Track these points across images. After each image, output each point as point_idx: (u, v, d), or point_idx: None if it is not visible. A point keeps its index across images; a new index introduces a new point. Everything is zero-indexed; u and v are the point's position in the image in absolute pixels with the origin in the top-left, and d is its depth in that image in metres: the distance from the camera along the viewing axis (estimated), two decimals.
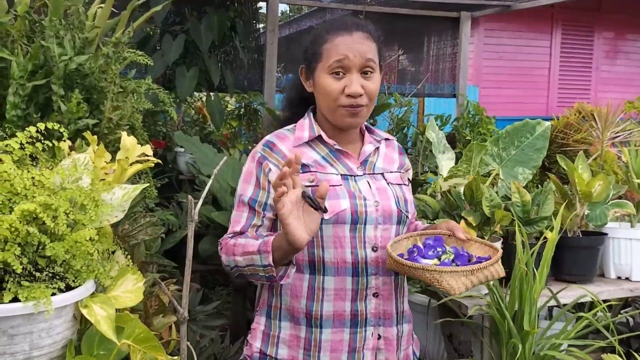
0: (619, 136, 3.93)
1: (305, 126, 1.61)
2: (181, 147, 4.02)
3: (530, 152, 2.36)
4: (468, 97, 5.34)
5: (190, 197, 1.62)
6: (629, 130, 3.83)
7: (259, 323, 1.63)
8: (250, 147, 4.79)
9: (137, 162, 1.89)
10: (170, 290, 2.35)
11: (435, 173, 4.92)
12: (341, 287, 1.52)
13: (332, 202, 1.48)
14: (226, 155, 1.95)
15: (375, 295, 1.54)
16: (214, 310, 2.67)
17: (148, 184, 1.71)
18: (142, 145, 3.31)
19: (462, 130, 5.06)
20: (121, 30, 2.27)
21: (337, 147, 1.59)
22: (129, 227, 2.87)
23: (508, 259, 2.05)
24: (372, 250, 1.52)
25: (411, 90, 5.16)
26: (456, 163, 2.34)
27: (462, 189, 2.04)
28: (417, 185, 3.24)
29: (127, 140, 1.89)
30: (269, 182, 1.55)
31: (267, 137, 1.62)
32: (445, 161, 2.32)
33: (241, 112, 4.73)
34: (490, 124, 5.12)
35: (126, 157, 1.85)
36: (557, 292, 1.94)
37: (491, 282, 1.91)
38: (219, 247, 1.62)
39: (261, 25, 5.03)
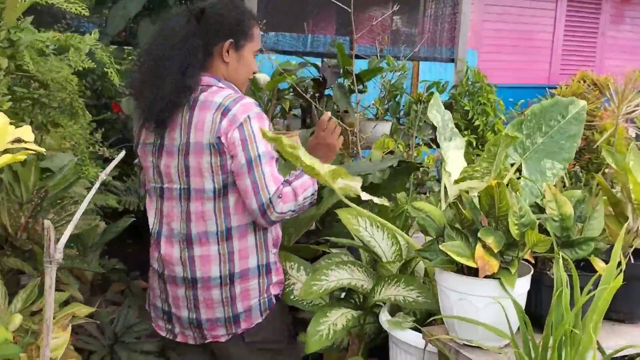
0: (635, 110, 3.32)
1: (238, 91, 1.76)
2: None
3: (562, 139, 1.71)
4: (467, 62, 4.67)
5: (47, 223, 0.98)
6: None
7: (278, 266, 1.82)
8: None
9: (15, 149, 1.26)
10: (84, 317, 1.72)
11: (429, 146, 4.29)
12: None
13: None
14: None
15: None
16: (148, 331, 2.04)
17: None
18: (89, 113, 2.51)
19: (461, 99, 4.41)
20: None
21: None
22: (54, 217, 2.22)
23: (537, 294, 1.43)
24: None
25: (405, 53, 4.47)
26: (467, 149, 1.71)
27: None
28: (413, 169, 2.59)
29: None
30: None
31: (250, 100, 1.69)
32: (452, 151, 1.68)
33: None
34: (491, 93, 4.48)
35: None
36: (613, 354, 1.31)
37: (513, 326, 1.31)
38: (276, 201, 1.63)
39: None
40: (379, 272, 1.78)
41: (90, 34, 2.49)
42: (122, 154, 1.09)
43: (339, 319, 1.65)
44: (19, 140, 1.26)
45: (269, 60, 4.06)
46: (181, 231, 1.71)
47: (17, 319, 1.45)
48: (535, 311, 1.42)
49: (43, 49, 2.20)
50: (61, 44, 2.53)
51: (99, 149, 3.65)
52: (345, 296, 1.89)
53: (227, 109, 1.64)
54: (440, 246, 1.28)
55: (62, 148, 3.04)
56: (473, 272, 1.32)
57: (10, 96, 2.52)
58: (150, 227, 1.84)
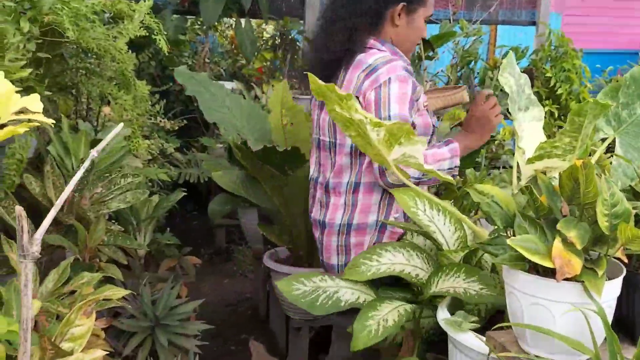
0: None
1: (399, 54, 1.77)
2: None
3: None
4: (550, 25, 4.23)
5: (19, 209, 0.82)
6: None
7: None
8: (292, 83, 3.92)
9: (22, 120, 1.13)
10: (118, 299, 1.58)
11: (506, 117, 3.93)
12: None
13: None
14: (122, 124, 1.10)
15: None
16: (190, 314, 1.89)
17: None
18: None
19: (542, 66, 4.00)
20: None
21: None
22: (102, 191, 2.11)
23: (630, 299, 1.16)
24: None
25: (481, 16, 4.09)
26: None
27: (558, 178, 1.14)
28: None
29: None
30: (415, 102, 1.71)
31: (399, 63, 1.69)
32: (529, 123, 1.40)
33: (276, 42, 3.83)
34: (576, 58, 4.03)
35: None
36: None
37: (598, 339, 1.05)
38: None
39: None
40: (440, 261, 1.54)
41: (145, 1, 2.34)
42: (118, 128, 0.91)
43: (390, 313, 1.43)
44: (25, 111, 1.12)
45: None
46: (326, 179, 1.82)
47: (35, 305, 1.32)
48: (627, 319, 1.15)
49: (87, 14, 2.06)
50: (109, 9, 2.40)
51: (161, 121, 3.57)
52: (397, 282, 1.67)
53: (374, 70, 1.67)
54: (508, 241, 1.03)
55: (124, 120, 2.94)
56: (550, 272, 1.06)
57: (63, 66, 2.44)
58: (310, 174, 1.93)
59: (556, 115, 3.78)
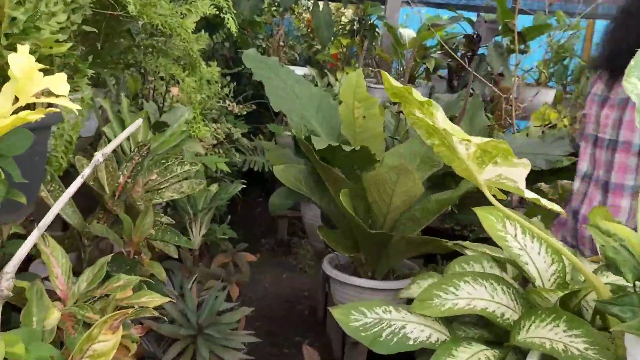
0: None
1: None
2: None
3: None
4: None
5: None
6: None
7: None
8: (370, 71, 3.64)
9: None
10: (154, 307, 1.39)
11: None
12: None
13: None
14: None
15: None
16: (235, 325, 1.67)
17: None
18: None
19: None
20: None
21: None
22: (157, 179, 1.94)
23: None
24: None
25: (579, 9, 3.66)
26: None
27: None
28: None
29: (18, 63, 0.93)
30: None
31: None
32: None
33: (354, 28, 3.56)
34: None
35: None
36: None
37: None
38: None
39: None
40: (531, 299, 1.25)
41: None
42: (137, 123, 0.69)
43: None
44: (48, 93, 0.92)
45: (417, 14, 3.51)
46: (603, 178, 1.72)
47: (54, 316, 1.14)
48: None
49: None
50: None
51: (229, 104, 3.39)
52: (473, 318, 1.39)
53: None
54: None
55: (193, 101, 2.77)
56: None
57: (129, 42, 2.28)
58: (583, 169, 1.81)
59: None
